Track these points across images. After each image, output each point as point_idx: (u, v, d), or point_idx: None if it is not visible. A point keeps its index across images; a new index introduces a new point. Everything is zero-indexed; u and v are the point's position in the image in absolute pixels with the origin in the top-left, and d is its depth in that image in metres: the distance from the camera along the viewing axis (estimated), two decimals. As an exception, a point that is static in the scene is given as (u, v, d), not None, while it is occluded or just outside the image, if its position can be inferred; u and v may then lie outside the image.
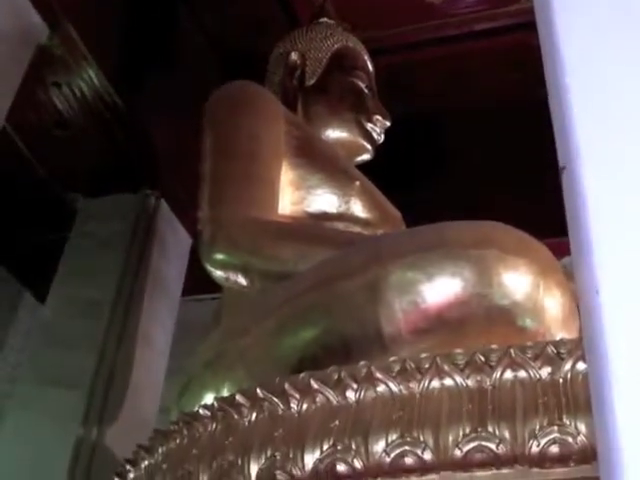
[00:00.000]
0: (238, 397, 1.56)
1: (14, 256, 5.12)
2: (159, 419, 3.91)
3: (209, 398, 1.81)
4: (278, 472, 1.41)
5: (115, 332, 4.19)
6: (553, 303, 1.74)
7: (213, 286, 2.42)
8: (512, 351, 1.45)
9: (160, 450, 1.71)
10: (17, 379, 4.46)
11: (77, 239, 4.53)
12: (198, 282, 3.07)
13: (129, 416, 4.03)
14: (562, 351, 1.44)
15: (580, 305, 0.92)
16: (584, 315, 0.90)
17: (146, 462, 1.75)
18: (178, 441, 1.67)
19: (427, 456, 1.35)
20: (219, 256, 2.19)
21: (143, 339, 4.28)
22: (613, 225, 0.87)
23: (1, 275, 5.31)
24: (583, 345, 1.36)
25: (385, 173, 2.82)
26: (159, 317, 4.48)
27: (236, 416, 1.56)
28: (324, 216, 2.45)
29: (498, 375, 1.44)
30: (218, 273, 2.21)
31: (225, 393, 1.76)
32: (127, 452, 1.93)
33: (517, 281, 1.70)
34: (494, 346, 1.48)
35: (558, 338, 1.62)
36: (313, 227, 2.39)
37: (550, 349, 1.44)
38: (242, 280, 2.17)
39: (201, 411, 1.64)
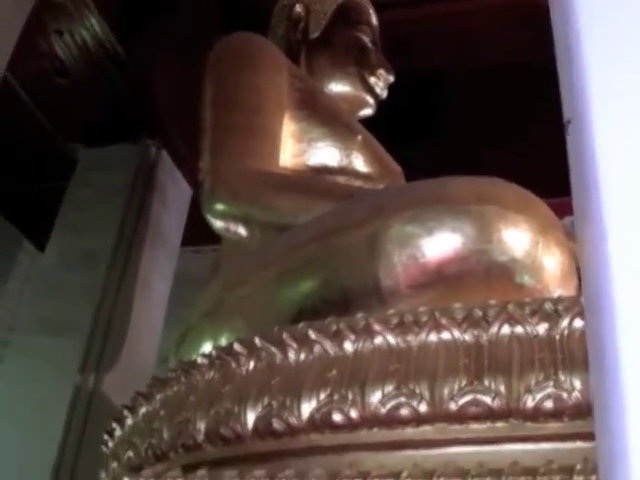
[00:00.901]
0: (236, 346, 1.57)
1: (14, 205, 5.12)
2: (157, 368, 3.94)
3: (207, 347, 1.82)
4: (275, 420, 1.42)
5: (114, 281, 4.21)
6: (552, 261, 1.74)
7: (213, 237, 2.43)
8: (510, 307, 1.45)
9: (158, 397, 1.73)
10: (16, 327, 4.49)
11: (77, 189, 4.53)
12: (198, 233, 3.07)
13: (127, 364, 4.06)
14: (560, 308, 1.44)
15: (584, 258, 0.92)
16: (589, 267, 0.90)
17: (144, 409, 1.77)
18: (176, 389, 1.68)
19: (422, 408, 1.36)
20: (219, 206, 2.19)
21: (142, 288, 4.30)
22: (622, 172, 0.86)
23: (1, 224, 5.32)
24: (581, 302, 1.37)
25: (386, 129, 2.81)
26: (158, 267, 4.50)
27: (234, 365, 1.56)
28: (325, 169, 2.45)
29: (495, 330, 1.45)
30: (218, 224, 2.22)
31: (223, 342, 1.77)
32: (125, 399, 1.94)
33: (516, 238, 1.70)
34: (492, 301, 1.48)
35: (556, 295, 1.62)
36: (314, 180, 2.39)
37: (548, 306, 1.44)
38: (242, 231, 2.18)
39: (199, 359, 1.65)
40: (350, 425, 1.39)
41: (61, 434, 3.82)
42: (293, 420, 1.41)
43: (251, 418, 1.45)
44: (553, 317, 1.44)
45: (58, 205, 4.56)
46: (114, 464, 1.79)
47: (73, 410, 3.86)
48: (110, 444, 1.92)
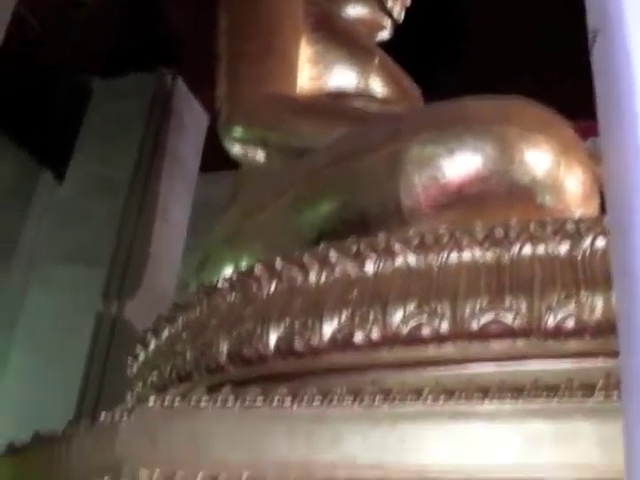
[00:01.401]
0: (257, 269, 1.57)
1: (33, 136, 5.11)
2: (177, 295, 3.97)
3: (228, 271, 1.83)
4: (296, 340, 1.43)
5: (133, 209, 4.22)
6: (573, 181, 1.73)
7: (230, 164, 2.42)
8: (531, 226, 1.44)
9: (180, 320, 1.74)
10: (36, 258, 4.52)
11: (94, 119, 4.51)
12: (215, 160, 3.06)
13: (148, 291, 4.09)
14: (581, 228, 1.43)
15: (610, 175, 0.90)
16: (615, 184, 0.88)
17: (167, 332, 1.78)
18: (198, 312, 1.69)
19: (443, 327, 1.37)
20: (237, 132, 2.18)
21: (161, 216, 4.31)
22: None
23: (20, 155, 5.32)
24: (603, 222, 1.36)
25: (405, 53, 2.76)
26: (176, 194, 4.50)
27: (255, 287, 1.57)
28: (342, 93, 2.42)
29: (517, 250, 1.44)
30: (236, 150, 2.21)
31: (243, 266, 1.77)
32: (147, 325, 1.96)
33: (538, 158, 1.68)
34: (513, 221, 1.47)
35: (578, 216, 1.61)
36: (332, 103, 2.37)
37: (569, 226, 1.43)
38: (260, 157, 2.17)
39: (220, 283, 1.66)
40: (371, 345, 1.40)
41: (85, 361, 3.87)
42: (315, 340, 1.42)
43: (273, 339, 1.46)
44: (575, 237, 1.43)
45: (76, 136, 4.56)
46: (139, 386, 1.81)
47: (96, 337, 3.90)
48: (135, 367, 1.94)
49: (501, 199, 1.67)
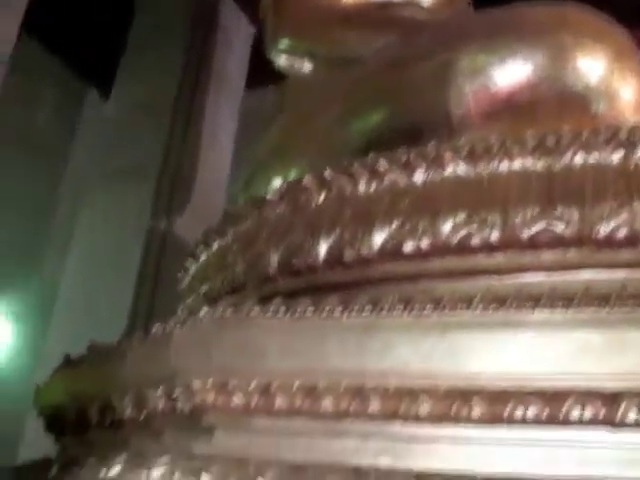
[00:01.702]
0: (306, 180, 1.57)
1: (78, 55, 5.11)
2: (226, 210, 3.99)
3: (276, 183, 1.83)
4: (346, 250, 1.43)
5: (180, 126, 4.23)
6: (627, 89, 1.69)
7: (276, 76, 2.40)
8: (584, 134, 1.42)
9: (230, 232, 1.75)
10: (85, 178, 4.56)
11: (138, 36, 4.49)
12: (261, 73, 3.03)
13: (197, 207, 4.12)
14: (634, 137, 1.40)
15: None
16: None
17: (217, 244, 1.80)
18: (248, 224, 1.70)
19: (494, 237, 1.36)
20: (283, 43, 2.15)
21: (208, 131, 4.32)
22: None
23: (65, 74, 5.33)
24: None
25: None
26: (223, 110, 4.49)
27: (304, 198, 1.57)
28: (389, 2, 2.37)
29: (569, 158, 1.42)
30: (282, 61, 2.18)
31: (292, 178, 1.77)
32: (196, 240, 1.97)
33: (591, 65, 1.64)
34: (565, 129, 1.45)
35: (631, 124, 1.57)
36: (379, 12, 2.32)
37: (622, 134, 1.41)
38: (307, 67, 2.14)
39: (269, 195, 1.66)
40: (421, 254, 1.40)
41: (137, 277, 3.93)
42: (364, 250, 1.42)
43: (323, 249, 1.47)
44: (628, 146, 1.40)
45: (121, 54, 4.55)
46: (190, 299, 1.84)
47: (147, 254, 3.96)
48: (186, 281, 1.97)
49: (553, 107, 1.64)
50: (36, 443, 3.33)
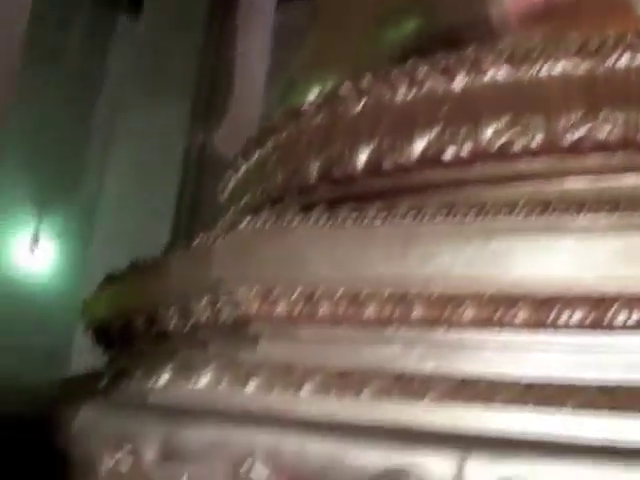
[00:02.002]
0: (344, 88, 1.56)
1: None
2: (264, 122, 3.97)
3: (314, 93, 1.81)
4: (386, 159, 1.42)
5: (212, 42, 4.20)
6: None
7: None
8: (629, 37, 1.38)
9: (269, 143, 1.75)
10: (120, 97, 4.56)
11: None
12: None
13: (233, 121, 4.11)
14: (681, 38, 1.36)
15: None
16: None
17: (256, 155, 1.80)
18: (287, 134, 1.69)
19: (536, 142, 1.34)
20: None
21: (241, 46, 4.27)
22: None
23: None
24: None
25: None
26: (256, 23, 4.43)
27: (342, 107, 1.56)
28: None
29: (613, 61, 1.38)
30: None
31: (330, 87, 1.75)
32: (234, 153, 1.97)
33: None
34: (609, 32, 1.41)
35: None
36: None
37: (668, 36, 1.37)
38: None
39: (307, 105, 1.65)
40: (463, 161, 1.39)
41: (177, 191, 3.96)
42: (404, 158, 1.42)
43: (362, 158, 1.46)
44: (675, 49, 1.37)
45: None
46: (231, 211, 1.84)
47: (186, 169, 3.98)
48: (226, 193, 1.97)
49: (596, 9, 1.59)
50: (86, 357, 3.41)
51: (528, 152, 1.36)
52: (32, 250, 4.39)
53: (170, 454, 1.94)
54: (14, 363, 3.51)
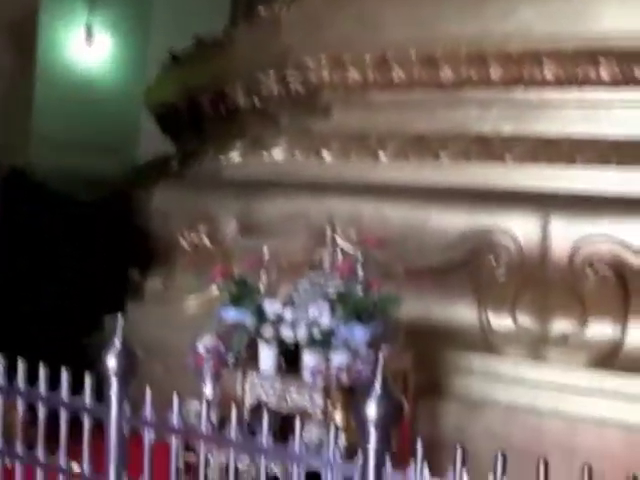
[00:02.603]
0: None
1: None
2: None
3: None
4: None
5: None
6: None
7: None
8: None
9: None
10: None
11: None
12: None
13: None
14: None
15: None
16: None
17: None
18: None
19: None
20: None
21: None
22: None
23: None
24: None
25: None
26: None
27: None
28: None
29: None
30: None
31: None
32: None
33: None
34: None
35: None
36: None
37: None
38: None
39: None
40: None
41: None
42: None
43: None
44: None
45: None
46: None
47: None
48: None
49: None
50: (153, 145, 3.43)
51: None
52: (88, 42, 4.33)
53: (249, 227, 1.98)
54: (82, 157, 3.55)
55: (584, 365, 1.74)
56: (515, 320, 1.80)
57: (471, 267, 1.85)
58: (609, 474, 1.13)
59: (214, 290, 2.25)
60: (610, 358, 1.75)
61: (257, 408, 1.61)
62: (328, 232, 1.59)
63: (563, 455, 1.13)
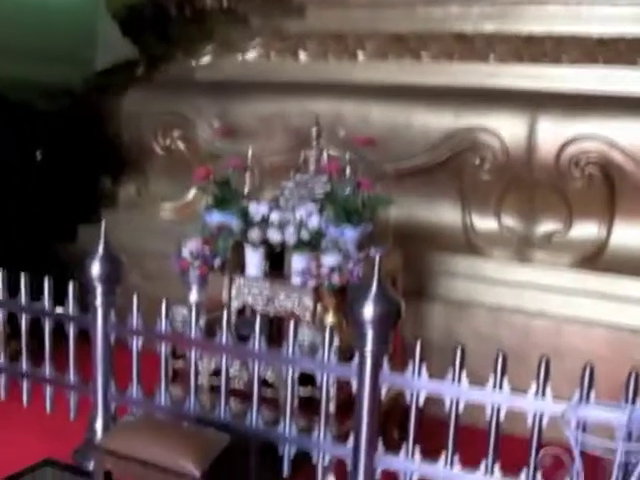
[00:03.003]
0: None
1: None
2: None
3: None
4: None
5: None
6: None
7: None
8: None
9: None
10: None
11: None
12: None
13: None
14: None
15: None
16: None
17: None
18: None
19: None
20: None
21: None
22: None
23: None
24: None
25: None
26: None
27: None
28: None
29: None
30: None
31: None
32: None
33: None
34: None
35: None
36: None
37: None
38: None
39: None
40: None
41: None
42: None
43: None
44: None
45: None
46: None
47: None
48: None
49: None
50: (111, 52, 3.29)
51: None
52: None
53: (226, 130, 1.91)
54: (38, 66, 3.40)
55: (569, 266, 1.73)
56: (500, 221, 1.78)
57: (456, 167, 1.81)
58: (594, 372, 1.13)
59: (190, 195, 2.21)
60: (595, 258, 1.74)
61: (241, 312, 1.59)
62: (313, 132, 1.53)
63: (549, 354, 1.11)
